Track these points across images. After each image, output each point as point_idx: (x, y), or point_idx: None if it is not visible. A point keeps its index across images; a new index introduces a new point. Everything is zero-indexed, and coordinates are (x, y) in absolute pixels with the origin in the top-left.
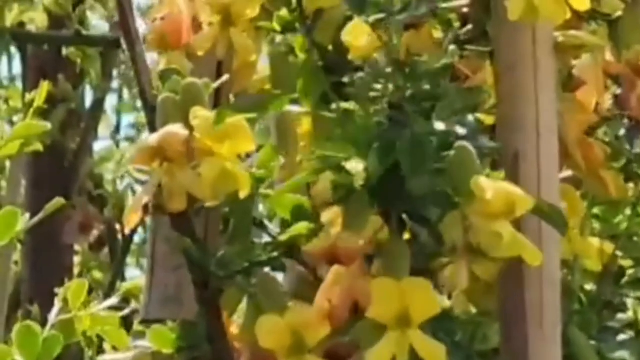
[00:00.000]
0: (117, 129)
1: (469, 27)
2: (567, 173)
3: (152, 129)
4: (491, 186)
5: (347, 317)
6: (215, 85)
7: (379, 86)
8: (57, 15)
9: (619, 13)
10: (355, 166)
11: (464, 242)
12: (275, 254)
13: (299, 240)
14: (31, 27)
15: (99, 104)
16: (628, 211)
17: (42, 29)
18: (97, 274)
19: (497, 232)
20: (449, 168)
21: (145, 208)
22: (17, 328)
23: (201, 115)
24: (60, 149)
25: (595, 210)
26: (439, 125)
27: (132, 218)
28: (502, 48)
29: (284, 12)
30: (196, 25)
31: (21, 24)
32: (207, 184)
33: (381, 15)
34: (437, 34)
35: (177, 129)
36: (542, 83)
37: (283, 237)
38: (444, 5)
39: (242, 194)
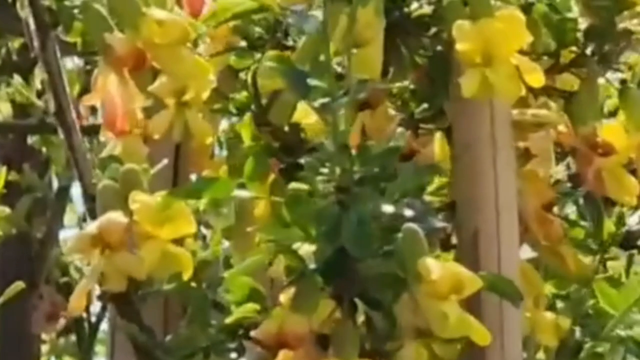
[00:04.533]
0: (85, 217)
1: (425, 105)
2: (528, 254)
3: (93, 217)
4: (438, 267)
5: None
6: (155, 167)
7: (326, 170)
8: (22, 104)
9: (574, 89)
10: (307, 249)
11: (416, 323)
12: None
13: (251, 321)
14: None
15: (64, 192)
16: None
17: (6, 117)
18: None
19: (443, 313)
20: (397, 250)
21: (90, 294)
22: None
23: (140, 199)
24: (27, 238)
25: (553, 286)
26: (387, 208)
27: (77, 304)
28: (459, 127)
29: (239, 94)
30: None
31: None
32: (148, 267)
33: (325, 100)
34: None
35: (116, 216)
36: (500, 161)
37: (228, 320)
38: (383, 86)
39: (185, 276)
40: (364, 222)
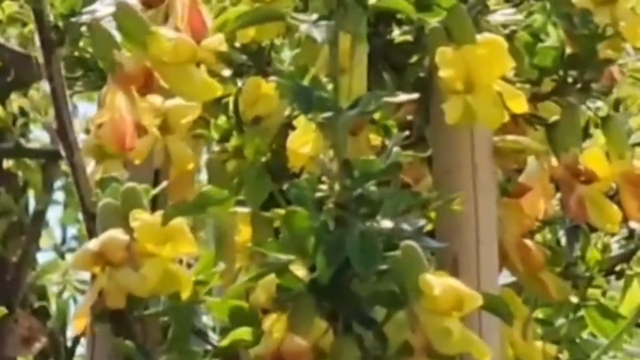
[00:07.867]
0: (63, 241)
1: (407, 132)
2: (509, 279)
3: (92, 236)
4: (439, 283)
5: None
6: (154, 192)
7: (324, 187)
8: None
9: (556, 117)
10: (299, 268)
11: (410, 342)
12: None
13: (239, 346)
14: None
15: (39, 215)
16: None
17: None
18: None
19: (447, 328)
20: (396, 267)
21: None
22: None
23: (141, 217)
24: (3, 262)
25: (538, 314)
26: (386, 224)
27: (78, 323)
28: (440, 153)
29: (221, 119)
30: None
31: None
32: (149, 285)
33: (329, 114)
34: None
35: (117, 233)
36: (481, 188)
37: (224, 343)
38: (391, 99)
39: (185, 295)
40: (369, 236)
